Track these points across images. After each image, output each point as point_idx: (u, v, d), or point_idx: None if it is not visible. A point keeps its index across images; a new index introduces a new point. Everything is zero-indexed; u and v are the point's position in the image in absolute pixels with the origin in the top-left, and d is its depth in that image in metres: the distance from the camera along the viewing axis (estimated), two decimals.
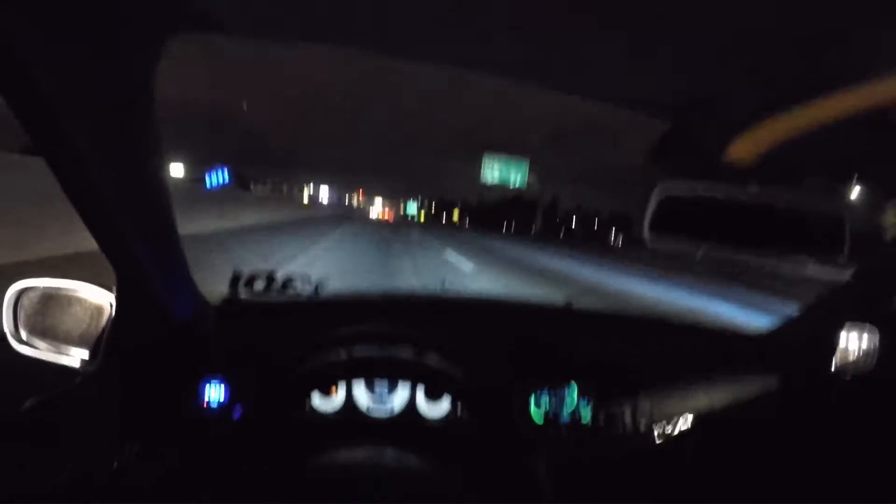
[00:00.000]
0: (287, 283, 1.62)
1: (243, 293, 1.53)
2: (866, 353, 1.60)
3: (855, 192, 1.26)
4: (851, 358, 1.61)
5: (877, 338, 1.58)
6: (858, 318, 1.59)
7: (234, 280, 1.53)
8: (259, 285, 1.58)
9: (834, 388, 1.61)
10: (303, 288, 1.64)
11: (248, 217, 18.70)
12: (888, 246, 1.52)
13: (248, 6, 0.96)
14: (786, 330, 1.74)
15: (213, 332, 1.41)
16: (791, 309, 1.76)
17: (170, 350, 1.29)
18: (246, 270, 1.57)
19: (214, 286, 1.51)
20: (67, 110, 0.81)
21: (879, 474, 1.55)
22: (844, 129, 0.91)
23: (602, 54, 0.91)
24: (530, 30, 0.89)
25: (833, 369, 1.60)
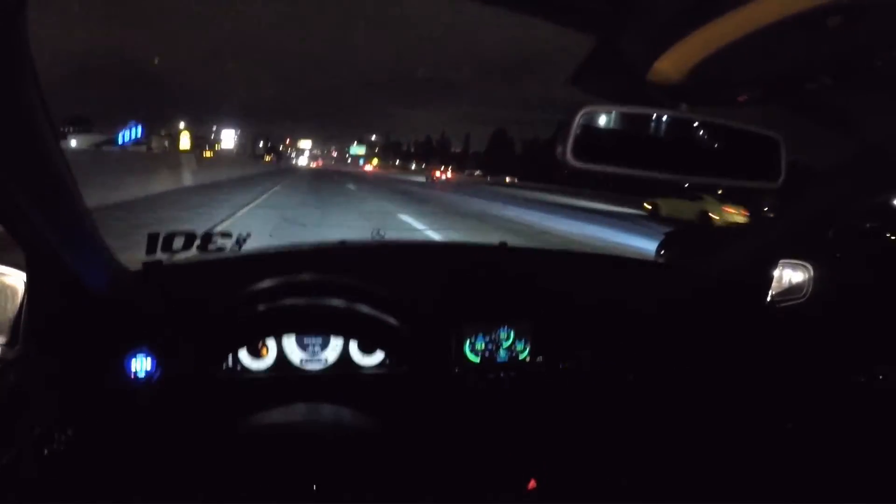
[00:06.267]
0: (207, 240, 1.64)
1: (162, 256, 1.55)
2: (798, 288, 1.71)
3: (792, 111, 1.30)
4: (784, 293, 1.72)
5: (810, 274, 1.69)
6: (792, 254, 1.70)
7: (152, 243, 1.54)
8: (178, 246, 1.58)
9: (767, 319, 1.72)
10: (224, 244, 1.67)
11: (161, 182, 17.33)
12: (823, 178, 1.60)
13: None
14: (719, 263, 1.83)
15: (134, 300, 1.42)
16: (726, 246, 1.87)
17: (91, 324, 1.31)
18: (163, 232, 1.56)
19: (138, 253, 1.54)
20: None
21: (809, 399, 1.69)
22: (780, 36, 0.92)
23: None
24: None
25: (765, 303, 1.70)
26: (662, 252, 2.06)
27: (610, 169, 1.05)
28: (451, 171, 77.20)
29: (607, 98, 1.08)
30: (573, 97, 1.17)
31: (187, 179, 19.70)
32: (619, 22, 0.96)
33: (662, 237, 2.09)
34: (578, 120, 1.00)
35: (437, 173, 69.37)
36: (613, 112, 1.04)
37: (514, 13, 1.00)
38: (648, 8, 0.92)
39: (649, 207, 25.89)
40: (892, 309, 1.73)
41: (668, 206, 24.49)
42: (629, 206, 26.97)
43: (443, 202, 24.35)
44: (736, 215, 21.95)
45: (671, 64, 1.00)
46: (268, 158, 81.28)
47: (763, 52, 0.99)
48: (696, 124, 1.09)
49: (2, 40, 0.85)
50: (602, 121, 1.03)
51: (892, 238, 5.97)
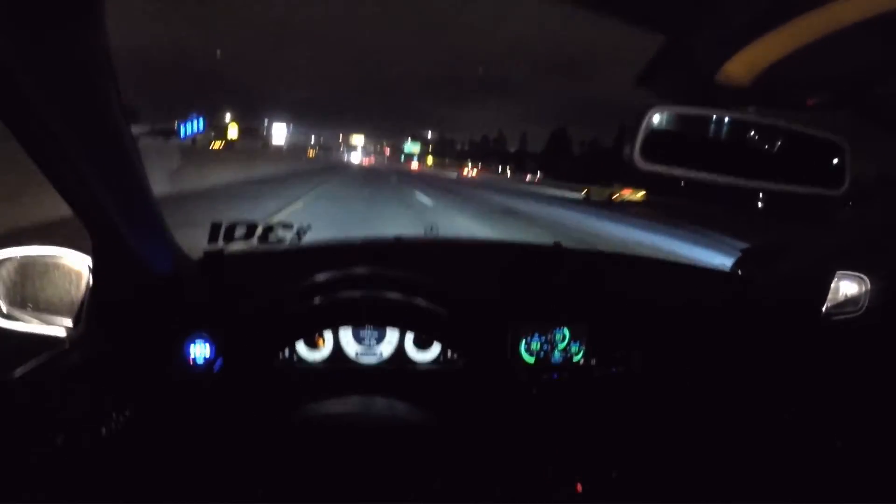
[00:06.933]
0: (268, 231, 1.71)
1: (224, 245, 1.60)
2: (854, 301, 1.66)
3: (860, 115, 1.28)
4: (839, 305, 1.67)
5: (867, 286, 1.65)
6: (850, 265, 1.65)
7: (214, 232, 1.60)
8: (239, 235, 1.65)
9: (821, 331, 1.69)
10: (284, 235, 1.73)
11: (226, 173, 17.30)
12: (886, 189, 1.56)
13: None
14: (775, 273, 1.80)
15: (195, 287, 1.49)
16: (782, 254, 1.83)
17: (153, 309, 1.38)
18: (225, 221, 1.62)
19: (196, 242, 1.60)
20: (10, 60, 0.83)
21: (861, 417, 1.64)
22: (853, 40, 0.92)
23: None
24: None
25: (821, 314, 1.67)
26: (739, 268, 2.02)
27: (677, 172, 1.06)
28: (479, 170, 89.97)
29: (674, 99, 1.09)
30: (635, 97, 1.18)
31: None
32: (691, 22, 0.97)
33: (738, 253, 2.03)
34: (647, 120, 1.02)
35: (465, 171, 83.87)
36: (682, 113, 1.06)
37: (581, 10, 1.02)
38: (722, 9, 0.94)
39: (585, 193, 36.74)
40: None
41: (594, 192, 35.39)
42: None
43: None
44: (631, 195, 33.39)
45: (742, 66, 1.00)
46: (311, 153, 74.79)
47: (835, 55, 0.99)
48: (764, 128, 1.09)
49: (83, 34, 0.91)
50: (670, 122, 1.05)
51: None
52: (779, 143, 1.10)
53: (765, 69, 1.00)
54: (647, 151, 1.02)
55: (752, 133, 1.09)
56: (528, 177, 76.30)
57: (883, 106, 1.22)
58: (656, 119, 1.03)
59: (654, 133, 1.03)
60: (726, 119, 1.07)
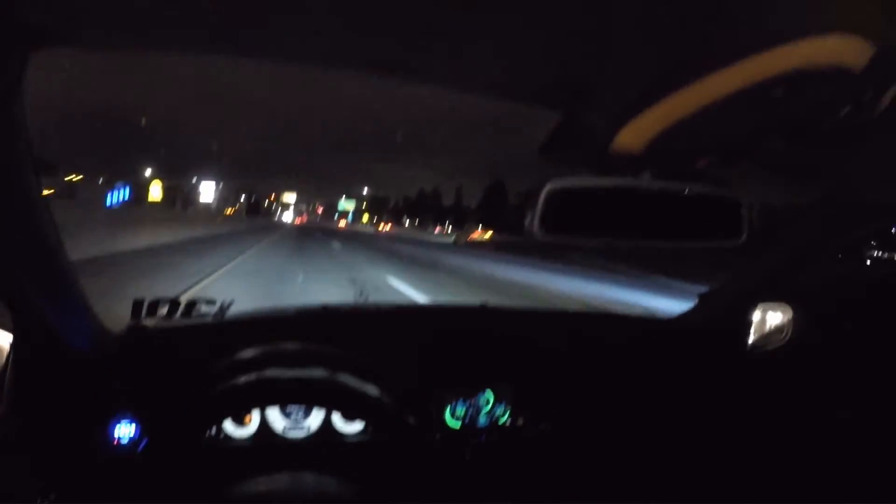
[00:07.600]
0: (191, 306, 1.67)
1: (147, 321, 1.57)
2: (779, 330, 1.73)
3: (749, 173, 1.36)
4: (765, 336, 1.74)
5: (790, 315, 1.72)
6: (770, 297, 1.73)
7: (136, 308, 1.57)
8: (163, 311, 1.61)
9: (748, 366, 1.75)
10: (208, 310, 1.69)
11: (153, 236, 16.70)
12: (789, 224, 1.65)
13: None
14: (698, 312, 1.87)
15: (118, 364, 1.43)
16: (702, 292, 1.89)
17: (74, 388, 1.32)
18: (148, 297, 1.60)
19: (121, 313, 1.57)
20: None
21: (795, 446, 1.70)
22: (730, 107, 0.99)
23: (471, 46, 0.98)
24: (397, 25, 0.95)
25: (747, 348, 1.73)
26: (669, 311, 2.06)
27: (578, 240, 1.10)
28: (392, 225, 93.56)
29: (574, 168, 1.14)
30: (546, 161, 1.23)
31: None
32: (583, 98, 1.03)
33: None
34: (544, 194, 1.05)
35: (380, 227, 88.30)
36: (579, 184, 1.10)
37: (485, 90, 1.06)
38: (609, 85, 1.00)
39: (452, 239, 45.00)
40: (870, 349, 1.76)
41: (458, 238, 42.69)
42: None
43: None
44: (480, 235, 42.45)
45: (632, 136, 1.06)
46: (229, 211, 62.25)
47: (716, 122, 1.06)
48: (659, 192, 1.14)
49: None
50: (568, 193, 1.08)
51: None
52: (675, 204, 1.15)
53: (654, 137, 1.07)
54: (547, 223, 1.06)
55: (650, 197, 1.13)
56: (438, 229, 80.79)
57: (769, 159, 1.31)
58: (553, 191, 1.06)
59: (552, 205, 1.05)
60: (623, 186, 1.12)
